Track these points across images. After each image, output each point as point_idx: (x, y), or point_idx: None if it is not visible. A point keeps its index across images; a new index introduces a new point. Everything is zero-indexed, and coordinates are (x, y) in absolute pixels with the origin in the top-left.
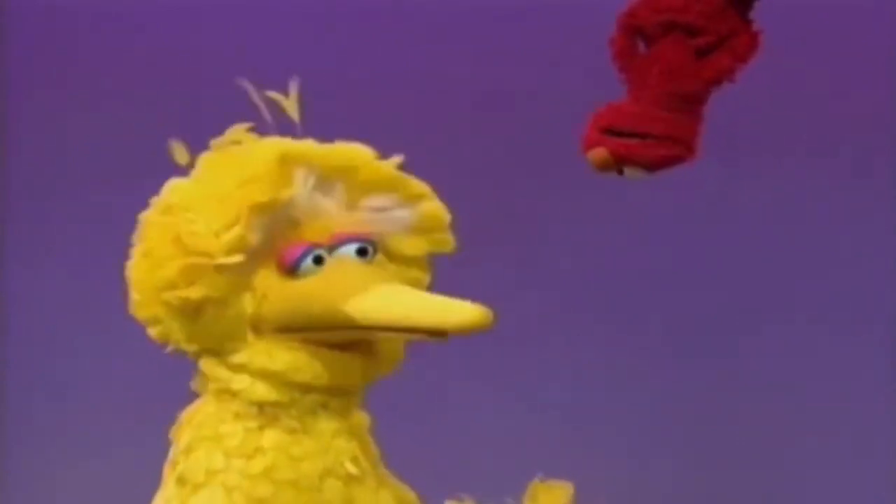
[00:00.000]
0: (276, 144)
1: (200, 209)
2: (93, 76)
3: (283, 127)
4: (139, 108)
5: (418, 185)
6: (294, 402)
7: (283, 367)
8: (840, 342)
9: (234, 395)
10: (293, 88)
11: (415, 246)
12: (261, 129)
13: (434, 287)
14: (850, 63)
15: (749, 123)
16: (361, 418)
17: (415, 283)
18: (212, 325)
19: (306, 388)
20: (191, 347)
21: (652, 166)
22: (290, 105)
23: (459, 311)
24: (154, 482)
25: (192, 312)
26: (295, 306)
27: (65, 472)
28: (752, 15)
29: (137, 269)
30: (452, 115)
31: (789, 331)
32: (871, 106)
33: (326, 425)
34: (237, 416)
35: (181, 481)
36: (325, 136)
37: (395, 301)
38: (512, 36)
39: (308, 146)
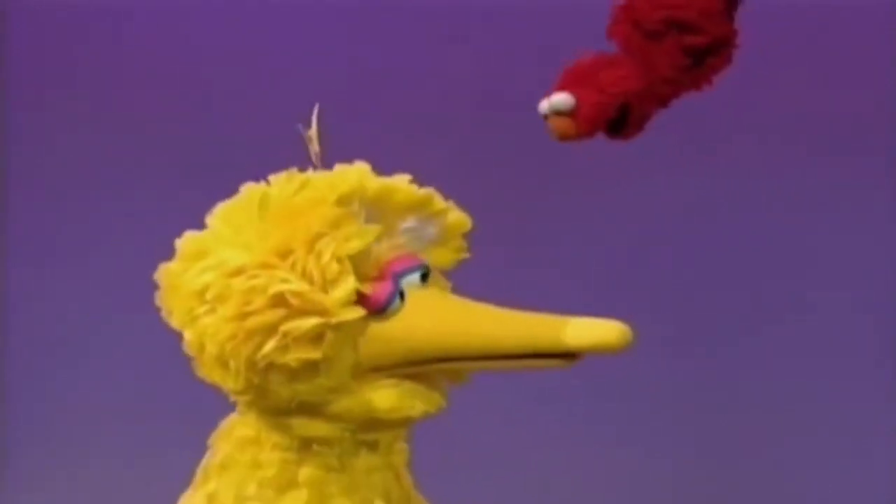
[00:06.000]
0: (325, 186)
1: (280, 265)
2: (93, 77)
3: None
4: (140, 108)
5: (440, 200)
6: (343, 439)
7: (388, 405)
8: (840, 342)
9: (284, 427)
10: (314, 118)
11: (443, 257)
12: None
13: None
14: (850, 63)
15: (749, 122)
16: (401, 451)
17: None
18: (323, 381)
19: (391, 424)
20: (290, 405)
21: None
22: (313, 135)
23: (598, 329)
24: (153, 482)
25: (305, 375)
26: (397, 346)
27: (65, 473)
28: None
29: (221, 336)
30: (452, 114)
31: (789, 331)
32: (871, 106)
33: (364, 462)
34: (276, 445)
35: (211, 498)
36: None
37: (518, 325)
38: (518, 35)
39: (346, 178)
